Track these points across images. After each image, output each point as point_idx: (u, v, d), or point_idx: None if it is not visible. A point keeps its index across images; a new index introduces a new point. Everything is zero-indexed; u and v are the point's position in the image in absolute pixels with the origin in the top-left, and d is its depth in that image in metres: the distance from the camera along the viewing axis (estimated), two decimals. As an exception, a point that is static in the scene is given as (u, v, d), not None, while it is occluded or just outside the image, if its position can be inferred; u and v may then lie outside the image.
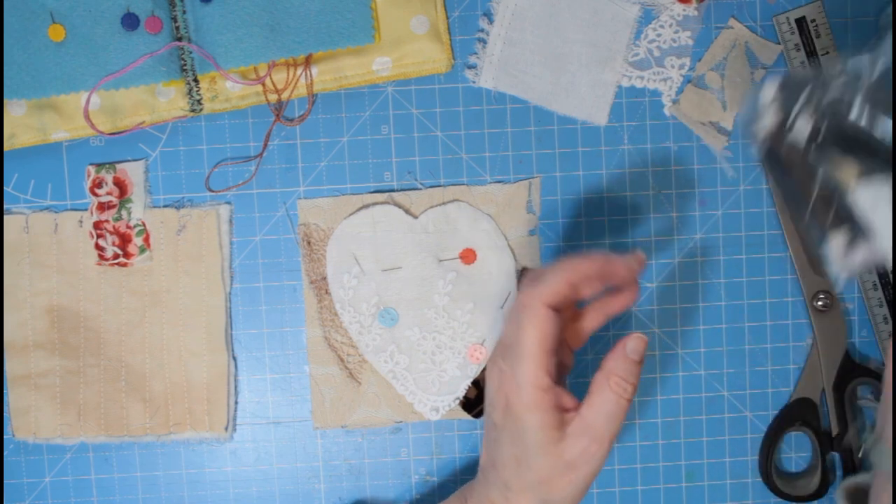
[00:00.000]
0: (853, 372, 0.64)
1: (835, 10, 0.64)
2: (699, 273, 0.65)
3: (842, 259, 0.46)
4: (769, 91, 0.48)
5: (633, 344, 0.53)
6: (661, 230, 0.65)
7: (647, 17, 0.64)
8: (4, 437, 0.64)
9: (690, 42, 0.64)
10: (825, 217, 0.46)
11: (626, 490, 0.65)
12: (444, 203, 0.63)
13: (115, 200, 0.63)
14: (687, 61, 0.64)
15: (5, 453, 0.64)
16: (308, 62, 0.61)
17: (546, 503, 0.53)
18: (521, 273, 0.64)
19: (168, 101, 0.61)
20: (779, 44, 0.64)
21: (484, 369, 0.64)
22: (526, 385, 0.51)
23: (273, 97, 0.62)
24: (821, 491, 0.65)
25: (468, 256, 0.63)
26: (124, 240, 0.63)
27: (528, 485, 0.53)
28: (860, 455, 0.65)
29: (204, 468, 0.65)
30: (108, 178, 0.63)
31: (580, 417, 0.52)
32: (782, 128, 0.47)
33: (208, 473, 0.65)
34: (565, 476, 0.52)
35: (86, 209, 0.63)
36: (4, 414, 0.64)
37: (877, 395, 0.65)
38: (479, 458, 0.57)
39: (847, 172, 0.45)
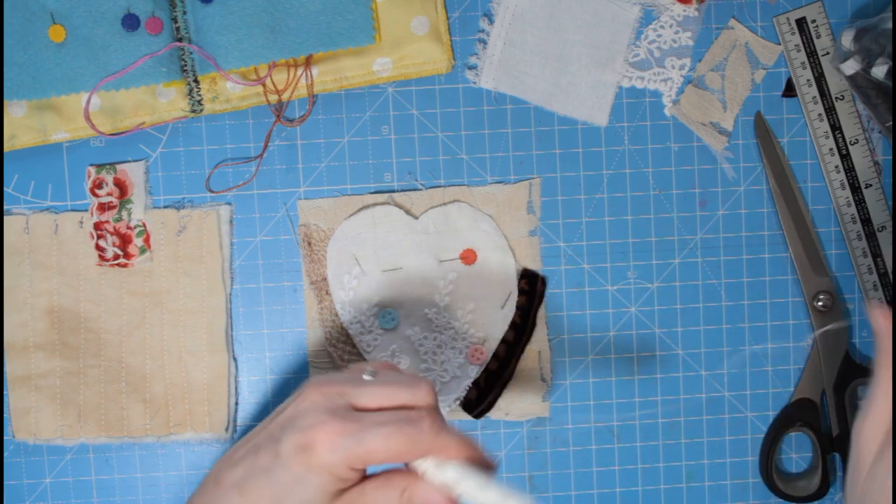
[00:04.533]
0: (853, 372, 0.64)
1: (835, 11, 0.64)
2: (699, 273, 0.65)
3: None
4: (847, 39, 0.60)
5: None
6: (662, 230, 0.65)
7: (648, 17, 0.64)
8: (4, 438, 0.64)
9: (691, 42, 0.64)
10: None
11: (626, 491, 0.65)
12: (444, 204, 0.63)
13: (115, 201, 0.63)
14: (687, 62, 0.64)
15: (5, 454, 0.64)
16: (308, 63, 0.61)
17: None
18: (521, 274, 0.64)
19: (168, 101, 0.61)
20: (779, 44, 0.64)
21: (485, 369, 0.64)
22: (347, 457, 0.45)
23: (273, 98, 0.62)
24: (821, 491, 0.65)
25: (469, 257, 0.63)
26: (125, 240, 0.63)
27: None
28: None
29: (204, 469, 0.65)
30: (109, 178, 0.63)
31: (359, 495, 0.47)
32: (866, 68, 0.60)
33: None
34: None
35: (86, 210, 0.63)
36: (5, 415, 0.64)
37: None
38: (212, 471, 0.50)
39: None
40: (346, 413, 0.46)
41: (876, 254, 0.65)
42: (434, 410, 0.48)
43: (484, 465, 0.48)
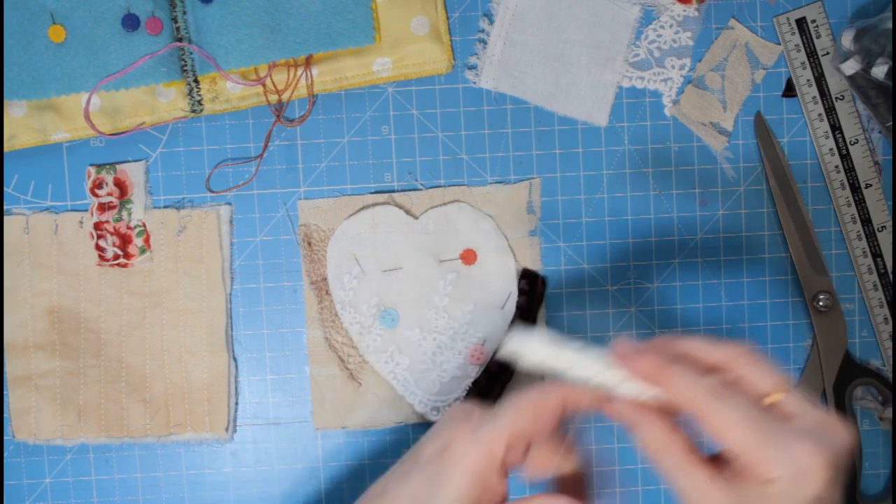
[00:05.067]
0: (853, 372, 0.64)
1: (835, 11, 0.64)
2: (699, 273, 0.65)
3: None
4: (847, 39, 0.60)
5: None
6: (661, 230, 0.65)
7: (648, 17, 0.64)
8: (5, 438, 0.64)
9: (691, 42, 0.64)
10: None
11: (626, 490, 0.65)
12: (444, 204, 0.63)
13: (115, 201, 0.63)
14: (687, 62, 0.64)
15: (6, 454, 0.64)
16: (308, 63, 0.61)
17: None
18: (521, 274, 0.64)
19: (168, 101, 0.61)
20: (779, 44, 0.64)
21: (485, 369, 0.64)
22: (482, 442, 0.45)
23: (273, 98, 0.62)
24: (821, 491, 0.65)
25: (469, 257, 0.63)
26: (125, 240, 0.63)
27: None
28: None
29: (204, 469, 0.65)
30: (109, 178, 0.63)
31: None
32: (866, 68, 0.60)
33: (208, 474, 0.65)
34: None
35: (86, 210, 0.63)
36: (5, 415, 0.64)
37: (877, 396, 0.65)
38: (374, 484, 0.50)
39: None
40: (480, 414, 0.46)
41: (876, 254, 0.65)
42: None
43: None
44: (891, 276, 0.65)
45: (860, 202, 0.65)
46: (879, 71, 0.59)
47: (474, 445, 0.45)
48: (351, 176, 0.64)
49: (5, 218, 0.63)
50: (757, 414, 0.41)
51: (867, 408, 0.66)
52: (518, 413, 0.45)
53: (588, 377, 0.45)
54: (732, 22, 0.64)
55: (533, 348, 0.46)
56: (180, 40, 0.60)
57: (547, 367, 0.46)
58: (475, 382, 0.64)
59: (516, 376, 0.64)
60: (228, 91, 0.61)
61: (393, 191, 0.64)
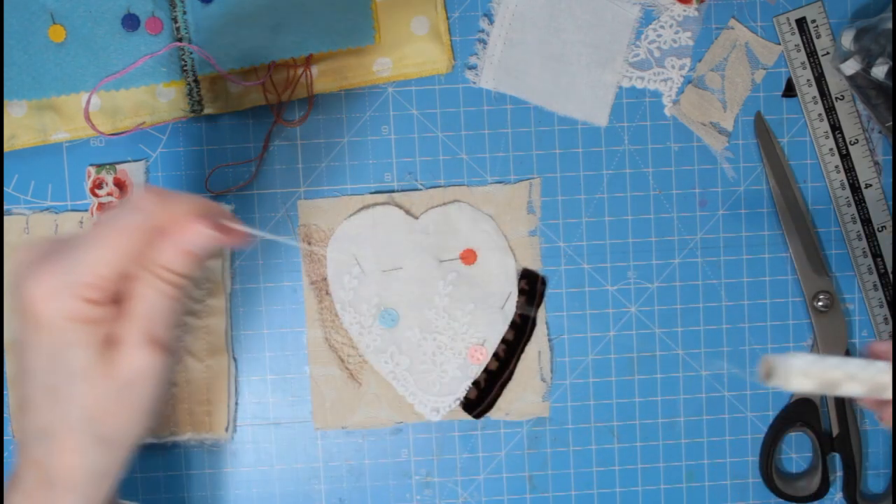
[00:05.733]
0: (854, 372, 0.64)
1: (835, 11, 0.64)
2: (699, 273, 0.65)
3: None
4: (847, 39, 0.60)
5: (191, 238, 0.40)
6: (662, 230, 0.65)
7: (648, 17, 0.64)
8: (5, 437, 0.64)
9: (691, 42, 0.64)
10: None
11: (626, 491, 0.65)
12: (444, 204, 0.63)
13: (115, 201, 0.63)
14: (687, 62, 0.64)
15: (6, 454, 0.64)
16: (308, 63, 0.61)
17: (103, 440, 0.40)
18: (521, 274, 0.64)
19: (168, 101, 0.61)
20: (779, 44, 0.64)
21: (485, 369, 0.64)
22: (76, 286, 0.37)
23: (273, 98, 0.62)
24: (821, 491, 0.65)
25: (469, 257, 0.63)
26: (125, 241, 0.63)
27: (75, 423, 0.40)
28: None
29: (204, 469, 0.65)
30: (109, 178, 0.63)
31: (136, 322, 0.39)
32: (866, 68, 0.60)
33: (208, 475, 0.65)
34: (124, 400, 0.40)
35: (86, 210, 0.63)
36: (5, 415, 0.64)
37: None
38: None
39: None
40: (51, 248, 0.39)
41: (876, 254, 0.65)
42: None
43: (220, 214, 0.42)
44: (891, 276, 0.65)
45: (860, 202, 0.65)
46: (879, 71, 0.59)
47: (61, 299, 0.37)
48: (351, 176, 0.64)
49: (5, 218, 0.63)
50: None
51: (867, 408, 0.66)
52: (110, 248, 0.38)
53: (865, 389, 0.42)
54: (732, 22, 0.64)
55: (798, 371, 0.42)
56: (180, 40, 0.60)
57: (818, 388, 0.42)
58: (475, 382, 0.64)
59: (515, 376, 0.64)
60: (228, 91, 0.61)
61: (393, 191, 0.64)
